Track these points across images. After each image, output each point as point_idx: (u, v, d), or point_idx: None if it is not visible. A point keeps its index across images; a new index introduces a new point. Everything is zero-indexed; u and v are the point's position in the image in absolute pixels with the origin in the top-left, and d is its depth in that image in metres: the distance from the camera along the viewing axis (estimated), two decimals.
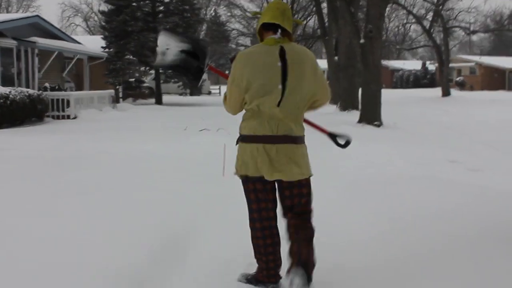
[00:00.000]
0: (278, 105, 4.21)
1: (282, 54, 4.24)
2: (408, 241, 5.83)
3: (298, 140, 4.33)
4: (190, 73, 5.07)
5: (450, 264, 5.16)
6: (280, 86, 4.21)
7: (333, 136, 5.13)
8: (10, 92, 19.59)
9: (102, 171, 9.84)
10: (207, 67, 5.09)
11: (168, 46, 5.09)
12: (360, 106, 21.48)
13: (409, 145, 13.90)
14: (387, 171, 10.18)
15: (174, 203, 7.20)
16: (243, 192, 4.53)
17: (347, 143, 5.13)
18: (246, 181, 4.44)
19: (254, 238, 4.54)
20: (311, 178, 4.47)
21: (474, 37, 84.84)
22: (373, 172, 10.00)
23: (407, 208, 7.13)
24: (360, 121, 19.88)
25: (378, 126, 19.18)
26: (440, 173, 10.20)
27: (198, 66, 5.00)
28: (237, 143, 4.47)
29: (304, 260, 4.14)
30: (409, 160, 11.60)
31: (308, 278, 4.07)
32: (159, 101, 36.62)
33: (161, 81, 37.18)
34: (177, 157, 11.58)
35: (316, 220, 4.48)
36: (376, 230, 6.23)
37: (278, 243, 4.54)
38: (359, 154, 11.83)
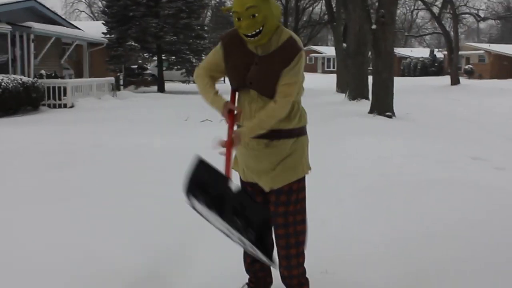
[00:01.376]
0: None
1: None
2: (435, 255, 4.87)
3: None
4: None
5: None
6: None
7: None
8: (2, 79, 18.72)
9: (91, 169, 8.93)
10: None
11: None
12: (370, 96, 20.52)
13: (425, 140, 12.92)
14: (405, 172, 9.18)
15: (167, 211, 6.18)
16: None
17: None
18: None
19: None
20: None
21: (482, 25, 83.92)
22: (390, 174, 8.98)
23: (432, 218, 6.16)
24: (371, 111, 18.95)
25: (390, 117, 18.25)
26: (464, 173, 9.22)
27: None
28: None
29: None
30: (428, 157, 10.60)
31: None
32: (161, 89, 35.72)
33: (164, 68, 36.35)
34: (175, 152, 10.70)
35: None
36: (397, 244, 5.28)
37: None
38: (373, 151, 10.89)
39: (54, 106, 22.50)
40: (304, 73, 3.75)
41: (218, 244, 5.02)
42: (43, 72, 24.17)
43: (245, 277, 4.23)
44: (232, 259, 4.53)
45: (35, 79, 21.64)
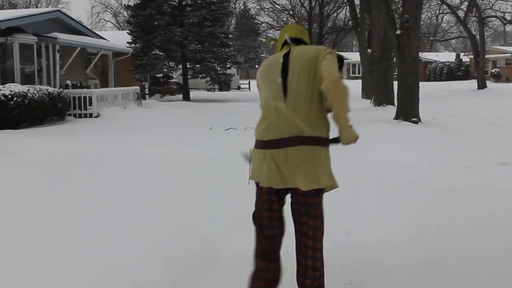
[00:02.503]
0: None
1: (288, 53, 3.98)
2: (466, 264, 4.75)
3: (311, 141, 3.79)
4: None
5: None
6: (280, 80, 3.90)
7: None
8: (28, 90, 18.81)
9: (114, 179, 8.88)
10: None
11: None
12: (396, 102, 20.34)
13: (452, 146, 12.77)
14: (431, 179, 9.05)
15: (189, 223, 6.13)
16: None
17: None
18: None
19: None
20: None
21: (508, 28, 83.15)
22: (416, 181, 8.86)
23: (461, 227, 6.03)
24: (396, 117, 18.78)
25: (416, 122, 18.08)
26: (492, 179, 9.06)
27: None
28: None
29: None
30: (455, 164, 10.46)
31: None
32: (186, 97, 35.76)
33: (189, 77, 36.41)
34: (198, 162, 10.71)
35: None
36: (424, 253, 5.16)
37: None
38: (399, 158, 10.76)
39: (80, 116, 22.58)
40: None
41: (238, 258, 4.98)
42: (68, 82, 24.34)
43: None
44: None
45: (61, 89, 21.76)
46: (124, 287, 4.37)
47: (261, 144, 3.87)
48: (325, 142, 3.87)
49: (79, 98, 22.69)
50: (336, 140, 3.83)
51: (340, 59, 3.95)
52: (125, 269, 4.67)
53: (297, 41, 4.14)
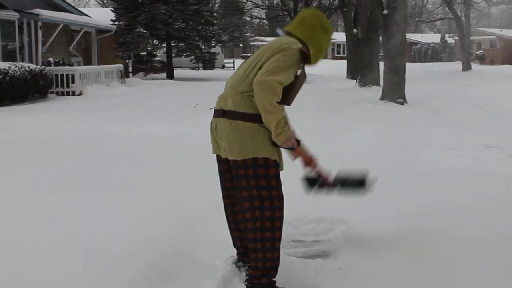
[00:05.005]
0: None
1: None
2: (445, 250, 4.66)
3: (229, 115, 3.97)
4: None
5: None
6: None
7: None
8: (9, 67, 18.53)
9: (95, 158, 8.68)
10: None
11: None
12: (381, 82, 20.20)
13: (438, 127, 12.70)
14: (418, 160, 8.96)
15: (171, 202, 5.96)
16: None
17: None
18: None
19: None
20: None
21: (494, 10, 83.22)
22: (402, 163, 8.75)
23: (446, 210, 5.92)
24: (382, 98, 18.66)
25: (402, 103, 17.97)
26: (478, 161, 9.00)
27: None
28: None
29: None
30: (441, 145, 10.37)
31: None
32: (170, 76, 35.47)
33: (173, 55, 36.12)
34: (182, 141, 10.55)
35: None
36: (410, 239, 5.06)
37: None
38: (385, 139, 10.68)
39: (62, 94, 22.32)
40: None
41: (219, 239, 4.86)
42: (51, 59, 24.01)
43: None
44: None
45: (43, 66, 21.46)
46: (99, 268, 4.22)
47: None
48: (249, 118, 3.93)
49: (62, 75, 22.44)
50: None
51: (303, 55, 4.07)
52: (100, 249, 4.50)
53: (288, 34, 4.22)
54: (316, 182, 4.49)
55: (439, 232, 5.22)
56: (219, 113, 4.02)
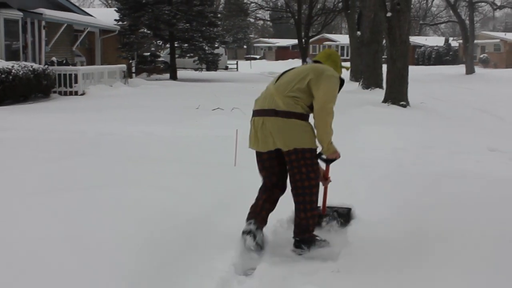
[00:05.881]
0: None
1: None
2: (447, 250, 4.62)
3: (282, 114, 4.99)
4: None
5: None
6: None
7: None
8: (13, 66, 18.52)
9: (96, 159, 8.65)
10: None
11: None
12: (384, 85, 20.18)
13: (441, 130, 12.67)
14: (420, 163, 8.92)
15: (169, 204, 5.90)
16: None
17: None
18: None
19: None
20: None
21: (498, 13, 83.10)
22: (404, 165, 8.72)
23: (448, 213, 5.88)
24: (385, 100, 18.66)
25: (405, 106, 17.96)
26: (481, 164, 8.95)
27: None
28: None
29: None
30: (444, 148, 10.33)
31: (301, 241, 5.16)
32: (173, 77, 35.42)
33: (177, 56, 36.10)
34: (185, 142, 10.56)
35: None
36: (411, 240, 5.03)
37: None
38: (387, 142, 10.63)
39: (65, 94, 22.30)
40: None
41: (218, 240, 4.84)
42: (54, 59, 23.97)
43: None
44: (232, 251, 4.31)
45: (46, 66, 21.43)
46: (99, 268, 4.19)
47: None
48: (300, 116, 5.02)
49: (65, 75, 22.44)
50: (320, 154, 5.28)
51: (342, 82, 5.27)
52: (102, 249, 4.47)
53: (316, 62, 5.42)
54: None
55: (439, 235, 5.20)
56: (270, 113, 5.01)
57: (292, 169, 5.07)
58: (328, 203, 5.83)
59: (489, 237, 5.09)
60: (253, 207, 5.24)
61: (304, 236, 5.13)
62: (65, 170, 7.66)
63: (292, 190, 5.17)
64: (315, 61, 5.42)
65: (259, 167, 5.31)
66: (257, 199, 5.29)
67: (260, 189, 5.34)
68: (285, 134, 4.95)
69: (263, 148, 5.11)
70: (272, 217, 5.38)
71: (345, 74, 35.75)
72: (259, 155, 5.24)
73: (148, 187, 6.52)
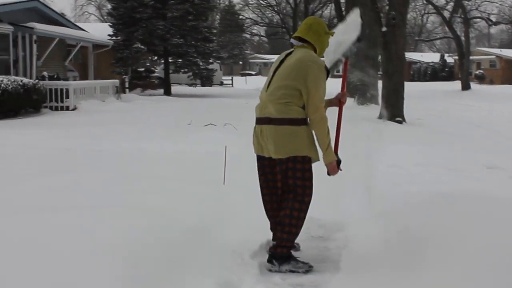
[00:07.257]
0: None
1: (286, 56, 5.25)
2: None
3: (275, 121, 5.01)
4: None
5: None
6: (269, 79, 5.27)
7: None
8: (2, 81, 18.30)
9: (86, 175, 8.34)
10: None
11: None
12: (380, 101, 19.95)
13: (438, 147, 12.36)
14: (417, 181, 8.59)
15: (150, 227, 5.54)
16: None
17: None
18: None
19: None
20: None
21: (493, 30, 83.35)
22: (399, 183, 8.41)
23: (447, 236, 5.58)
24: (380, 116, 18.41)
25: (400, 122, 17.71)
26: (480, 182, 8.64)
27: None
28: None
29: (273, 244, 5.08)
30: (441, 166, 10.00)
31: (273, 256, 5.00)
32: (167, 92, 35.28)
33: (171, 71, 35.92)
34: (174, 158, 10.28)
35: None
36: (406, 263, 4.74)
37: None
38: (383, 158, 10.34)
39: (56, 109, 22.01)
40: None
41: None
42: (45, 73, 23.71)
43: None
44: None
45: (37, 80, 21.16)
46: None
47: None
48: (292, 122, 5.00)
49: (56, 90, 22.13)
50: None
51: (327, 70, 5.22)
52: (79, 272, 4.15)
53: (300, 40, 5.28)
54: None
55: (436, 249, 4.92)
56: (265, 121, 5.08)
57: (286, 178, 5.06)
58: (319, 219, 5.87)
59: (487, 242, 4.81)
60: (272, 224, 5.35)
61: (276, 251, 5.01)
62: (52, 188, 7.32)
63: (282, 196, 5.20)
64: (296, 38, 5.31)
65: (259, 173, 5.37)
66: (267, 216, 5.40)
67: (264, 207, 5.42)
68: (277, 142, 4.98)
69: (266, 153, 5.15)
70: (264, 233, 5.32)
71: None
72: (261, 159, 5.30)
73: (126, 207, 6.15)
